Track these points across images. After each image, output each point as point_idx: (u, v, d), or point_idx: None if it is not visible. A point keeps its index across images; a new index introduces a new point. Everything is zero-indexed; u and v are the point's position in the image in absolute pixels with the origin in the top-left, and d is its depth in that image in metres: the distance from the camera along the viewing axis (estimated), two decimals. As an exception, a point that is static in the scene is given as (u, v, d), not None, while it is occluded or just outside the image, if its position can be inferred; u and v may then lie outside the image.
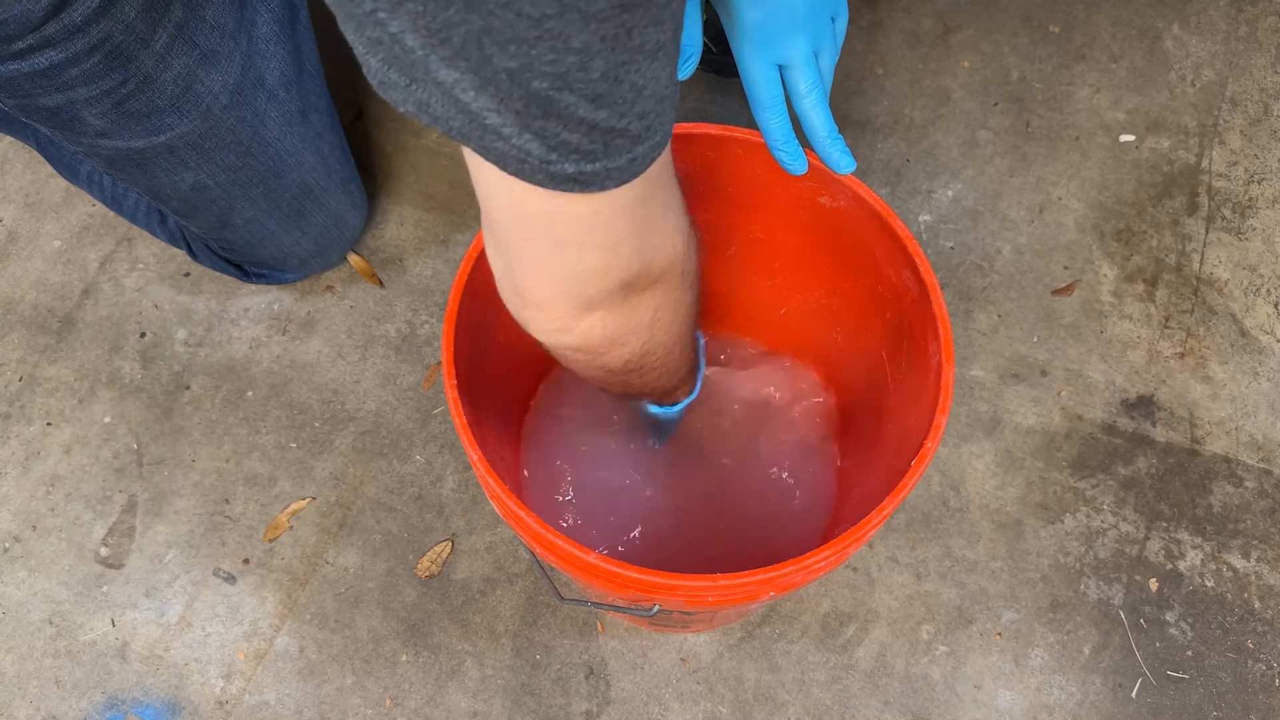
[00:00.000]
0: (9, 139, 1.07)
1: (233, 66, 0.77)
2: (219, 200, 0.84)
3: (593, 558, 0.53)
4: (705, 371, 0.87)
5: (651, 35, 0.34)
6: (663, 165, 0.42)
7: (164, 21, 0.71)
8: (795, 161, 0.62)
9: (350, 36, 0.34)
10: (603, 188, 0.38)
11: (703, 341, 0.71)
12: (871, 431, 0.77)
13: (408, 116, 0.36)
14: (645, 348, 0.52)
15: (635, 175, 0.39)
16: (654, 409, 0.71)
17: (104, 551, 0.89)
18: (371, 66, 0.34)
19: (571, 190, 0.37)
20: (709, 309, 0.89)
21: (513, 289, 0.46)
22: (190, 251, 0.96)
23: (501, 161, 0.36)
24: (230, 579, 0.88)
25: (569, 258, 0.42)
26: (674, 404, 0.70)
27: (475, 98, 0.33)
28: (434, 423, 0.93)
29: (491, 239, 0.45)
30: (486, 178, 0.39)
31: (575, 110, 0.34)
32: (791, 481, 0.83)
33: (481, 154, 0.36)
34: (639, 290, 0.46)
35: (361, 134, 1.06)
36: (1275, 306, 0.98)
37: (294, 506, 0.90)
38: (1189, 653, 0.85)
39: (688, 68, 0.59)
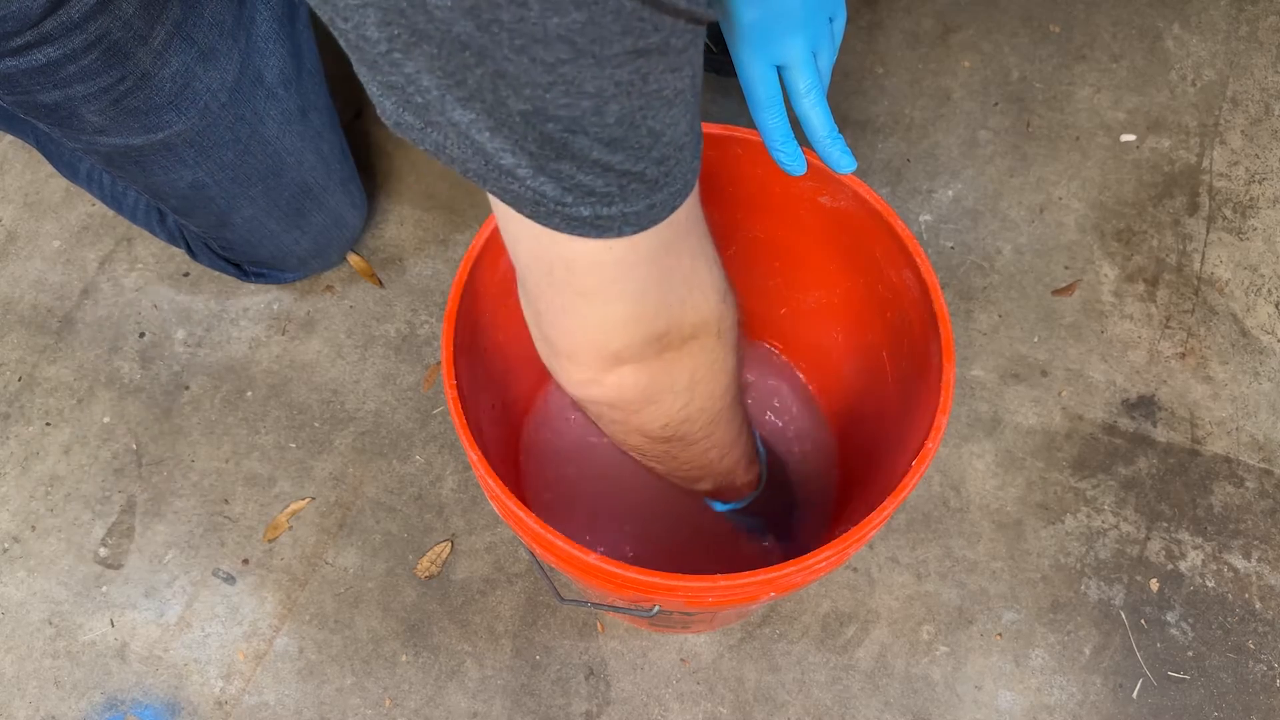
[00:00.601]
0: (9, 138, 1.06)
1: (231, 64, 0.77)
2: (218, 199, 0.84)
3: (592, 558, 0.53)
4: None
5: (669, 82, 0.33)
6: (689, 214, 0.41)
7: (162, 18, 0.71)
8: (794, 162, 0.61)
9: (364, 79, 0.34)
10: (620, 233, 0.37)
11: (759, 440, 0.66)
12: (872, 431, 0.77)
13: (427, 156, 0.36)
14: (685, 411, 0.49)
15: (656, 222, 0.38)
16: (719, 506, 0.67)
17: (103, 552, 0.89)
18: (386, 109, 0.34)
19: (589, 235, 0.37)
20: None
21: (542, 338, 0.45)
22: (189, 251, 0.96)
23: (518, 204, 0.36)
24: (230, 579, 0.88)
25: (593, 308, 0.41)
26: (739, 499, 0.66)
27: (490, 138, 0.33)
28: (434, 423, 0.93)
29: (521, 287, 0.44)
30: (511, 224, 0.39)
31: (590, 153, 0.34)
32: (792, 481, 0.83)
33: (498, 195, 0.36)
34: (673, 346, 0.45)
35: (361, 133, 1.06)
36: (1276, 306, 0.98)
37: (293, 507, 0.90)
38: (1190, 653, 0.85)
39: None
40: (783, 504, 0.73)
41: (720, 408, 0.53)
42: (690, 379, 0.47)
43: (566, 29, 0.30)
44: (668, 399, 0.47)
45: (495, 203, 0.38)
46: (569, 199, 0.35)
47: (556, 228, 0.37)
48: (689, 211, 0.40)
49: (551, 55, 0.30)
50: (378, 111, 0.35)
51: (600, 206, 0.36)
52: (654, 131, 0.34)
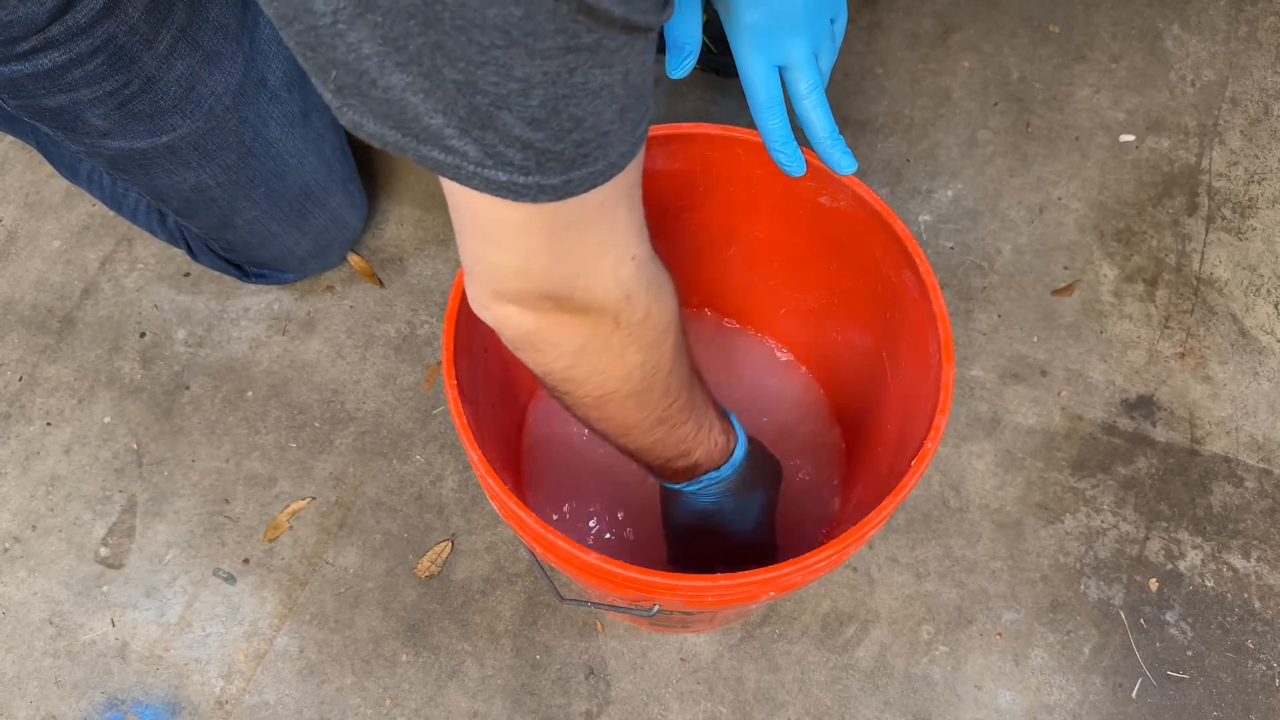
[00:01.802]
0: (9, 138, 1.07)
1: (235, 67, 0.77)
2: (220, 201, 0.84)
3: (592, 558, 0.53)
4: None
5: (597, 76, 0.36)
6: (603, 201, 0.42)
7: (167, 23, 0.71)
8: (793, 163, 0.62)
9: (294, 52, 0.36)
10: (535, 200, 0.40)
11: (742, 437, 0.64)
12: (871, 431, 0.77)
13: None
14: (568, 373, 0.51)
15: (569, 196, 0.40)
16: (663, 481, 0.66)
17: (104, 551, 0.89)
18: (315, 85, 0.37)
19: (503, 196, 0.39)
20: (710, 309, 0.89)
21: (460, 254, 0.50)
22: (190, 251, 0.96)
23: (438, 169, 0.38)
24: (230, 579, 0.88)
25: (486, 251, 0.45)
26: (671, 481, 0.65)
27: (424, 100, 0.35)
28: (434, 423, 0.93)
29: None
30: None
31: (512, 129, 0.36)
32: (792, 481, 0.83)
33: (418, 163, 0.38)
34: (564, 310, 0.47)
35: (361, 134, 1.06)
36: (1275, 306, 0.98)
37: (294, 506, 0.90)
38: (1189, 653, 0.85)
39: (685, 66, 0.59)
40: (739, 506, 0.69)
41: (617, 391, 0.53)
42: (578, 347, 0.50)
43: (503, 20, 0.32)
44: (550, 353, 0.50)
45: None
46: (489, 163, 0.38)
47: (475, 188, 0.39)
48: (604, 197, 0.42)
49: (486, 39, 0.33)
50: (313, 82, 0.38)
51: (517, 175, 0.38)
52: (575, 118, 0.37)
